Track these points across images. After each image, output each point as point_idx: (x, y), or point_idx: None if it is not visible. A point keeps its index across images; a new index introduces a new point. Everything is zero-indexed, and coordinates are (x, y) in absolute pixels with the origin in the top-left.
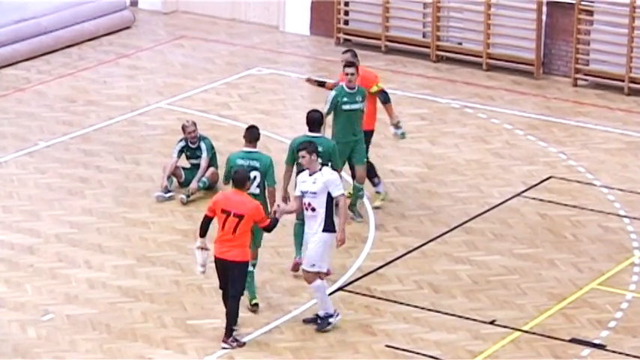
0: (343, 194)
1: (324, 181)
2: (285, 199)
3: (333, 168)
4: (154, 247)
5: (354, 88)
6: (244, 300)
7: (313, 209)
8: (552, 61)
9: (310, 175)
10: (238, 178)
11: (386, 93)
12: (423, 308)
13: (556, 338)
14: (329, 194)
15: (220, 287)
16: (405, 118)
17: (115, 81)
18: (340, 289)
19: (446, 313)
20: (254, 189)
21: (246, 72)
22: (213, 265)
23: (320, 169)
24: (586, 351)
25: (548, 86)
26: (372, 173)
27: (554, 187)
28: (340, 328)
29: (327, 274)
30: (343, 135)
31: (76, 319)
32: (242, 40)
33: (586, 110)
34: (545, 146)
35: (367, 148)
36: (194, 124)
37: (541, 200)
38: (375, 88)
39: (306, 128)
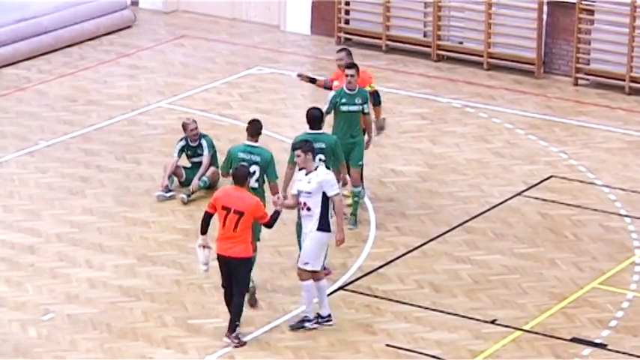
0: (339, 194)
1: (318, 181)
2: (285, 198)
3: (338, 163)
4: (155, 246)
5: (354, 89)
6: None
7: (308, 209)
8: (553, 60)
9: (306, 174)
10: (239, 175)
11: (378, 95)
12: (423, 307)
13: (557, 337)
14: (324, 194)
15: (222, 285)
16: (406, 117)
17: (115, 80)
18: (341, 288)
19: (447, 313)
20: (253, 183)
21: (246, 71)
22: (216, 263)
23: (316, 169)
24: (587, 350)
25: (549, 86)
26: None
27: (555, 187)
28: (341, 328)
29: (328, 273)
30: (341, 136)
31: (77, 319)
32: (243, 39)
33: (587, 110)
34: (546, 146)
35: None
36: (194, 121)
37: (542, 200)
38: (367, 89)
39: (307, 127)
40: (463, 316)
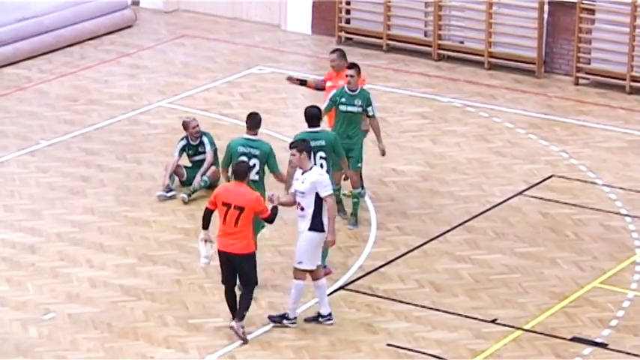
0: (332, 195)
1: (311, 182)
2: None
3: (338, 159)
4: (156, 246)
5: (355, 90)
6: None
7: (302, 209)
8: (554, 59)
9: (302, 173)
10: (239, 171)
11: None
12: (424, 307)
13: (558, 337)
14: (318, 194)
15: (223, 282)
16: (407, 116)
17: (116, 80)
18: (342, 287)
19: (447, 312)
20: (253, 175)
21: (247, 71)
22: (217, 258)
23: (311, 169)
24: (588, 350)
25: (549, 85)
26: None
27: (555, 186)
28: (342, 327)
29: (328, 272)
30: (338, 135)
31: (78, 318)
32: (243, 38)
33: (587, 109)
34: (547, 145)
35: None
36: (195, 119)
37: (542, 199)
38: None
39: (307, 126)
40: (464, 316)
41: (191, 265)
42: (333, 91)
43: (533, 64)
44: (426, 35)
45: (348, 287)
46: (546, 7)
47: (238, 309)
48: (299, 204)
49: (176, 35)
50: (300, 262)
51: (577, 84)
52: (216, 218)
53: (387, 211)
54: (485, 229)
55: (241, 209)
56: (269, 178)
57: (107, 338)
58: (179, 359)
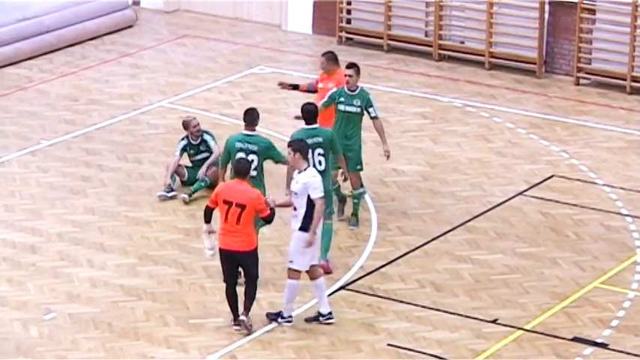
0: (321, 197)
1: (304, 182)
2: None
3: (336, 155)
4: (156, 245)
5: (355, 90)
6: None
7: (295, 209)
8: (555, 59)
9: (298, 173)
10: (240, 169)
11: None
12: (425, 307)
13: (558, 337)
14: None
15: (224, 280)
16: (407, 116)
17: (117, 80)
18: (342, 287)
19: (448, 312)
20: (251, 171)
21: (248, 71)
22: (217, 261)
23: (305, 169)
24: (588, 350)
25: (550, 85)
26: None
27: (556, 186)
28: (342, 327)
29: (329, 272)
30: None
31: (78, 318)
32: (244, 38)
33: (588, 109)
34: (548, 145)
35: None
36: (195, 118)
37: (543, 199)
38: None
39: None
40: (464, 316)
41: (192, 265)
42: (334, 89)
43: (534, 64)
44: (426, 35)
45: (349, 287)
46: (547, 7)
47: (245, 300)
48: (293, 204)
49: (177, 35)
50: (291, 262)
51: (578, 84)
52: (216, 217)
53: (388, 211)
54: (486, 229)
55: (243, 207)
56: (269, 178)
57: (108, 338)
58: (180, 359)
